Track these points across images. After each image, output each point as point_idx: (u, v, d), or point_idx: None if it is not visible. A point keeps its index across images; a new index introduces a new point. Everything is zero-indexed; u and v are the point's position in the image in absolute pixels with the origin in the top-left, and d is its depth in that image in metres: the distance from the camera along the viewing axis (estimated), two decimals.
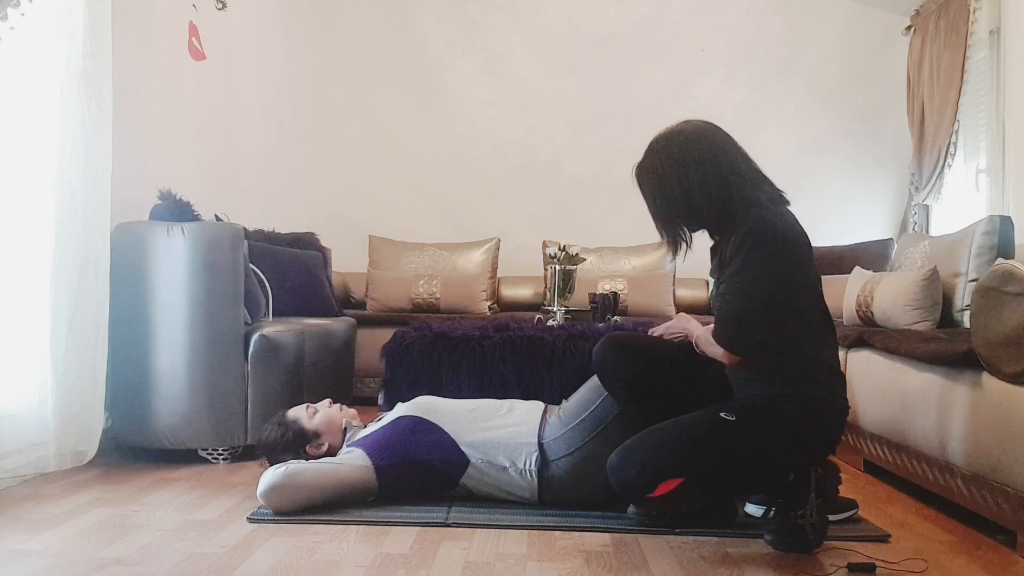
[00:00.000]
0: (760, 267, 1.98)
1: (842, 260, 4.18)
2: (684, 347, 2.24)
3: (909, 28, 5.03)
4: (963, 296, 3.14)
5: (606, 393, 2.30)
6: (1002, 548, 2.07)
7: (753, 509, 2.29)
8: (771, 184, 2.11)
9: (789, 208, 2.10)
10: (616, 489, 2.07)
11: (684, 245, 2.17)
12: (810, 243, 2.07)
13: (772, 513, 2.05)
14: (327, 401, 2.58)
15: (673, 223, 2.15)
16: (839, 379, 2.09)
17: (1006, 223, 3.14)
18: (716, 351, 2.06)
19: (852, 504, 2.26)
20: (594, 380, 2.38)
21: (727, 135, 2.15)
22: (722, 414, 1.99)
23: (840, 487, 2.09)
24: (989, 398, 2.09)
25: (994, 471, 2.06)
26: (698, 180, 2.06)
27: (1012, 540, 2.07)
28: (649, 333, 2.37)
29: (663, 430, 2.03)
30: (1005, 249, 3.09)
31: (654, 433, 2.03)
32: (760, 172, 2.12)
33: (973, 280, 2.26)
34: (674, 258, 2.21)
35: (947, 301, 3.22)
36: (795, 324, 2.01)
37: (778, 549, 2.02)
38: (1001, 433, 2.03)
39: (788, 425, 1.98)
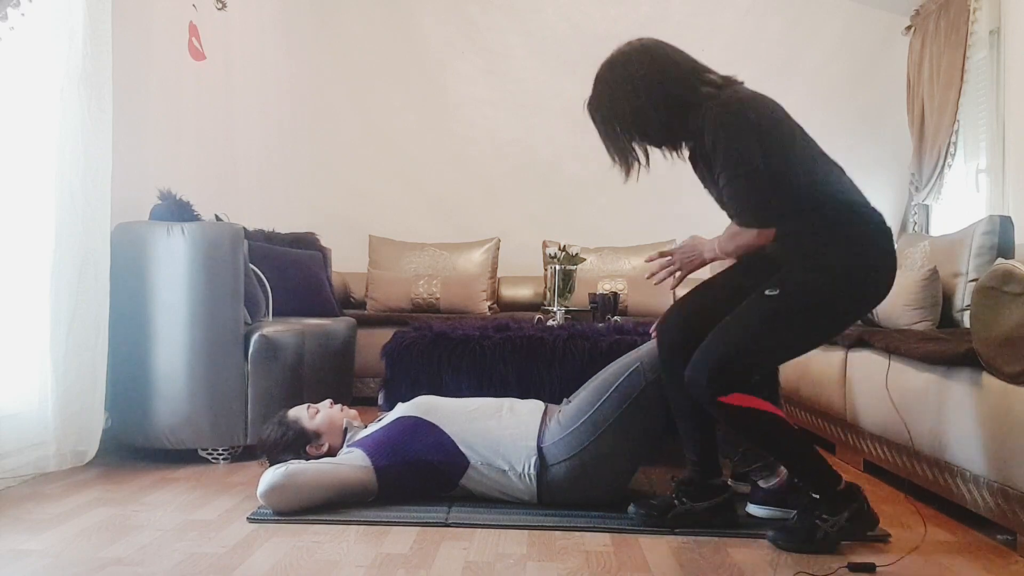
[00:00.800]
0: (740, 142, 2.02)
1: None
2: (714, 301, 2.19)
3: (909, 28, 5.03)
4: (963, 296, 3.15)
5: (604, 398, 2.29)
6: (1002, 548, 2.07)
7: (755, 509, 2.29)
8: (715, 73, 2.16)
9: (742, 84, 2.17)
10: (699, 401, 2.07)
11: (636, 164, 2.21)
12: (773, 100, 2.12)
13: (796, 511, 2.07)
14: (328, 401, 2.58)
15: (627, 144, 2.20)
16: (877, 222, 2.09)
17: (1006, 223, 3.15)
18: (748, 237, 2.09)
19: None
20: (593, 383, 2.38)
21: (665, 44, 2.20)
22: (766, 292, 2.04)
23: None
24: (989, 398, 2.09)
25: (994, 471, 2.06)
26: (647, 93, 2.11)
27: (1012, 540, 2.07)
28: (672, 289, 2.30)
29: (718, 330, 2.06)
30: (1005, 249, 3.09)
31: (712, 336, 2.06)
32: (702, 67, 2.17)
33: (973, 280, 2.26)
34: (627, 179, 2.24)
35: (947, 301, 3.22)
36: (804, 174, 2.05)
37: (778, 543, 2.04)
38: (1001, 433, 2.03)
39: (833, 275, 2.02)
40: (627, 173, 2.22)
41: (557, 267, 3.66)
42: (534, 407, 2.46)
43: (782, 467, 2.24)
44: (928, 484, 2.42)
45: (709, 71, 2.17)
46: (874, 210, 2.12)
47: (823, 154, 2.14)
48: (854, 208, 2.10)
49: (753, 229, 2.09)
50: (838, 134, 5.33)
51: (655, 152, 2.25)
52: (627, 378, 2.29)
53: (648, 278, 2.38)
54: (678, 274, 2.27)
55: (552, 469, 2.30)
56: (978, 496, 2.14)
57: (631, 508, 2.22)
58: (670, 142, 2.21)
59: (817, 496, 2.03)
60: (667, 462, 2.85)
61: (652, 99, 2.12)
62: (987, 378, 2.10)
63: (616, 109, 2.18)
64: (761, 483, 2.27)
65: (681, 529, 2.14)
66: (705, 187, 2.26)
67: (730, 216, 2.15)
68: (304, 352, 3.19)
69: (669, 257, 2.29)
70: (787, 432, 2.05)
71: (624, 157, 2.21)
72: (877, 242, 2.09)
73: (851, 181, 2.15)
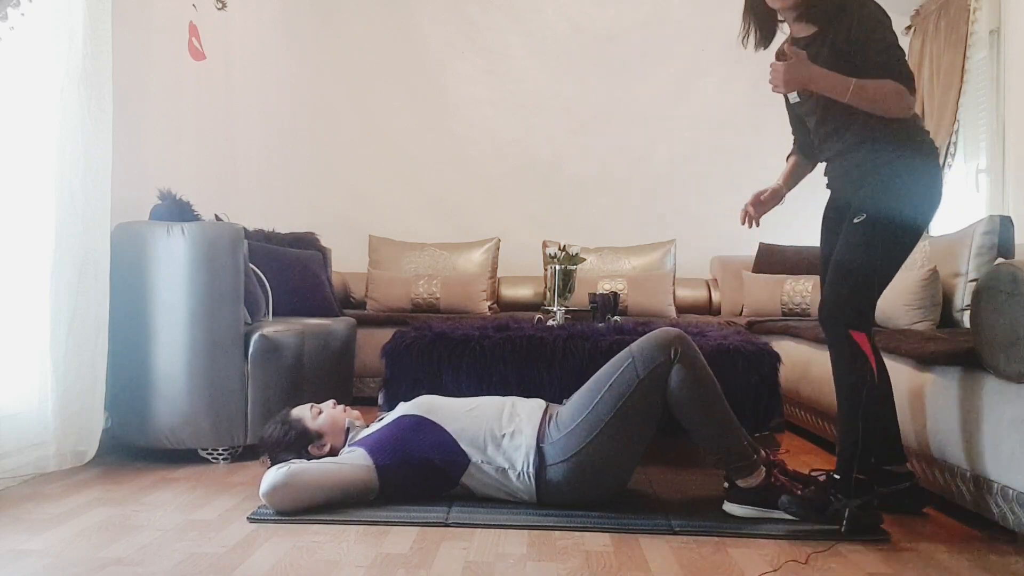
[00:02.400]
0: (888, 31, 2.32)
1: None
2: None
3: (909, 28, 5.03)
4: (963, 296, 3.14)
5: (598, 398, 2.29)
6: (1002, 548, 2.07)
7: (733, 508, 2.28)
8: None
9: None
10: (829, 335, 2.28)
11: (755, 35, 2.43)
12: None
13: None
14: (332, 402, 2.57)
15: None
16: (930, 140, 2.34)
17: (1006, 223, 3.14)
18: (891, 100, 2.22)
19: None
20: (590, 384, 2.37)
21: None
22: (854, 220, 2.24)
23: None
24: (989, 398, 2.09)
25: (994, 471, 2.06)
26: None
27: (1012, 540, 2.07)
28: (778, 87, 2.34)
29: (834, 269, 2.27)
30: (1005, 249, 3.09)
31: (832, 276, 2.27)
32: None
33: (973, 280, 2.27)
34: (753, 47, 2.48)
35: (947, 301, 3.22)
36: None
37: (790, 508, 2.16)
38: (1001, 433, 2.03)
39: (911, 180, 2.22)
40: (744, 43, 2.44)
41: (557, 267, 3.66)
42: (535, 406, 2.45)
43: (762, 466, 2.27)
44: (928, 483, 2.42)
45: None
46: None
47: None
48: (917, 121, 2.32)
49: (904, 89, 2.22)
50: None
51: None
52: (620, 376, 2.28)
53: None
54: (781, 81, 2.29)
55: (551, 469, 2.30)
56: (978, 496, 2.14)
57: (782, 500, 2.22)
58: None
59: (837, 477, 2.17)
60: (667, 462, 2.85)
61: None
62: (987, 378, 2.10)
63: None
64: (740, 482, 2.27)
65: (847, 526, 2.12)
66: (818, 60, 2.33)
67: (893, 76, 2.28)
68: (304, 352, 3.20)
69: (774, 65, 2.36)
70: (872, 396, 2.19)
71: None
72: (930, 154, 2.31)
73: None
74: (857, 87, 2.20)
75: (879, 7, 2.32)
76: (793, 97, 2.41)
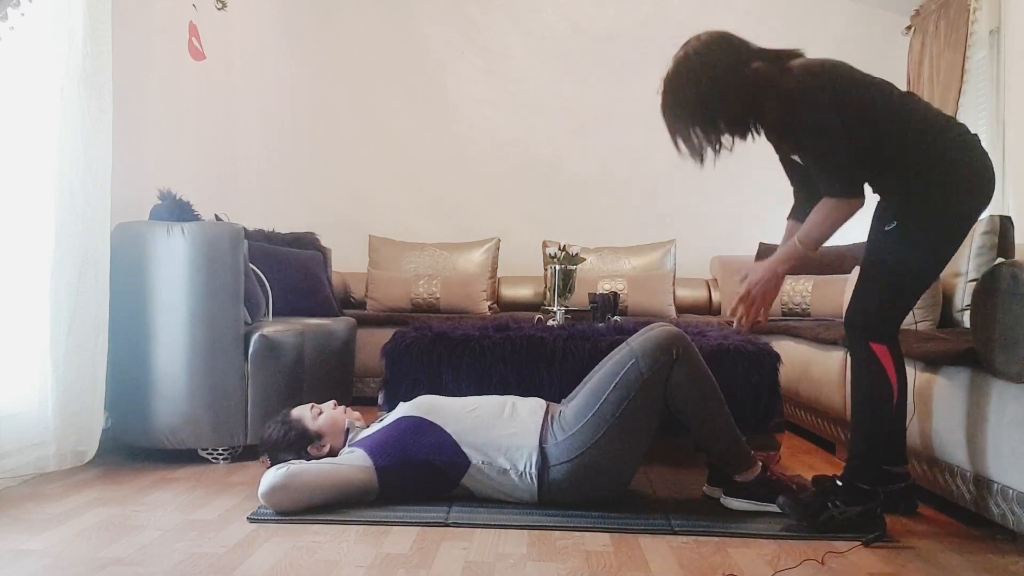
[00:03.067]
0: (816, 115, 2.10)
1: (842, 260, 4.18)
2: None
3: (909, 28, 5.03)
4: (963, 296, 3.14)
5: (603, 398, 2.29)
6: (1002, 548, 2.07)
7: (729, 502, 2.35)
8: (777, 50, 2.25)
9: (802, 56, 2.24)
10: (850, 345, 2.24)
11: (709, 152, 2.24)
12: (841, 63, 2.19)
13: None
14: (332, 402, 2.57)
15: (703, 133, 2.21)
16: (965, 142, 2.14)
17: (1006, 223, 3.14)
18: (840, 212, 2.13)
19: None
20: (592, 384, 2.37)
21: (728, 34, 2.32)
22: (885, 228, 2.17)
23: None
24: (989, 398, 2.09)
25: (994, 471, 2.06)
26: (716, 83, 2.16)
27: (1012, 540, 2.07)
28: (737, 328, 2.33)
29: (863, 279, 2.23)
30: (1005, 249, 3.08)
31: (859, 285, 2.23)
32: (765, 50, 2.26)
33: (973, 280, 2.26)
34: (701, 166, 2.29)
35: (947, 301, 3.22)
36: (887, 126, 2.13)
37: (785, 509, 2.16)
38: (1001, 433, 2.03)
39: (941, 187, 2.11)
40: (701, 161, 2.26)
41: (557, 267, 3.66)
42: (536, 406, 2.45)
43: (758, 462, 2.33)
44: (928, 483, 2.42)
45: (770, 50, 2.25)
46: (957, 128, 2.17)
47: (901, 95, 2.21)
48: (938, 141, 2.14)
49: (844, 201, 2.12)
50: None
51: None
52: (624, 375, 2.28)
53: (738, 331, 2.41)
54: (763, 310, 2.29)
55: (553, 469, 2.30)
56: (978, 496, 2.14)
57: (780, 499, 2.21)
58: (741, 127, 2.25)
59: (840, 483, 2.16)
60: (667, 462, 2.85)
61: (722, 89, 2.16)
62: (987, 378, 2.10)
63: (687, 102, 2.21)
64: (737, 477, 2.34)
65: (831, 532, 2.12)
66: (783, 164, 2.34)
67: (823, 191, 2.19)
68: (304, 352, 3.20)
69: (744, 300, 2.28)
70: (885, 410, 2.18)
71: (698, 146, 2.25)
72: (969, 157, 2.14)
73: (929, 108, 2.22)
74: (803, 240, 2.19)
75: (813, 94, 2.12)
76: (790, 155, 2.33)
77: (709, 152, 2.22)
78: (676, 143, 2.24)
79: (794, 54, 2.23)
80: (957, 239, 2.18)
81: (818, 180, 2.18)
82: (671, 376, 2.27)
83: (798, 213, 2.44)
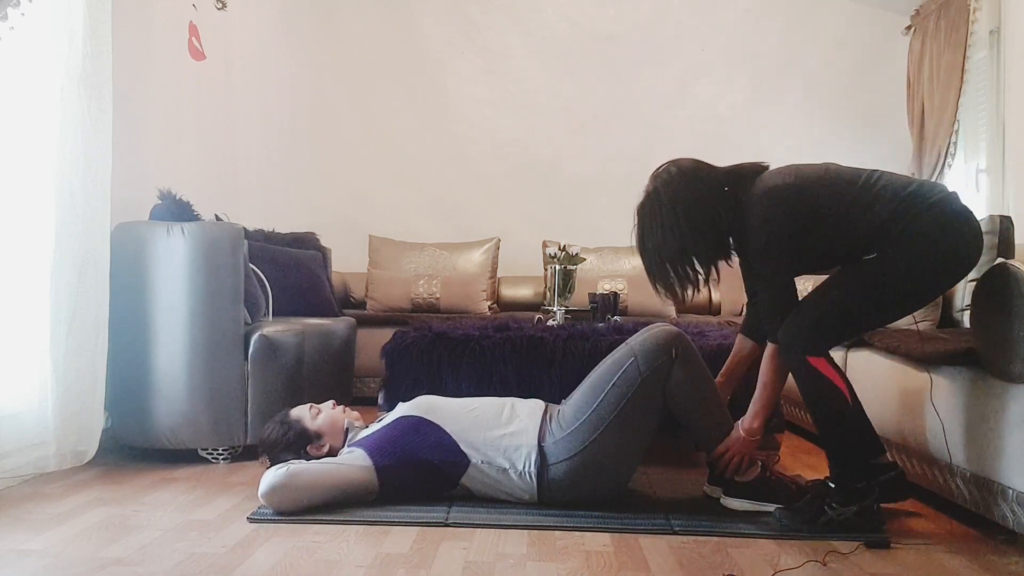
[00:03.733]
0: (772, 251, 2.17)
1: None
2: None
3: (909, 28, 5.03)
4: (963, 296, 3.14)
5: (602, 396, 2.29)
6: (1002, 548, 2.07)
7: (729, 502, 2.36)
8: (743, 169, 2.26)
9: (767, 167, 2.26)
10: (786, 359, 2.20)
11: (691, 287, 2.29)
12: (807, 175, 2.19)
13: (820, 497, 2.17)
14: (331, 402, 2.57)
15: (682, 271, 2.28)
16: (951, 211, 2.12)
17: (1006, 223, 3.13)
18: (766, 391, 2.26)
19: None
20: (591, 383, 2.37)
21: (695, 163, 2.32)
22: (864, 257, 2.15)
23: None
24: (989, 398, 2.09)
25: (994, 471, 2.06)
26: (688, 221, 2.23)
27: (1012, 540, 2.07)
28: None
29: (816, 293, 2.21)
30: (1005, 249, 3.08)
31: (810, 298, 2.21)
32: (731, 170, 2.27)
33: (973, 280, 2.26)
34: (685, 302, 2.37)
35: (947, 301, 3.21)
36: (859, 228, 2.13)
37: (782, 520, 2.16)
38: (1001, 433, 2.03)
39: (925, 244, 2.09)
40: (683, 298, 2.31)
41: (557, 267, 3.66)
42: (535, 406, 2.46)
43: (758, 462, 2.35)
44: (928, 483, 2.42)
45: (735, 170, 2.27)
46: (940, 193, 2.15)
47: (865, 185, 2.17)
48: (921, 213, 2.11)
49: (774, 351, 2.20)
50: (838, 134, 5.37)
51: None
52: (623, 374, 2.29)
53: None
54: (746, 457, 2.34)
55: (552, 468, 2.30)
56: (978, 496, 2.14)
57: (776, 512, 2.22)
58: (721, 251, 2.29)
59: (832, 485, 2.16)
60: (667, 462, 2.85)
61: (693, 226, 2.22)
62: (987, 378, 2.10)
63: (664, 244, 2.29)
64: (736, 477, 2.34)
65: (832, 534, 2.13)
66: (744, 278, 2.40)
67: (767, 331, 2.25)
68: (304, 352, 3.20)
69: (727, 458, 2.33)
70: (846, 415, 2.16)
71: (675, 286, 2.30)
72: (953, 226, 2.12)
73: (896, 178, 2.21)
74: (744, 428, 2.29)
75: (770, 219, 2.16)
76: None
77: (689, 288, 2.27)
78: (655, 286, 2.34)
79: (759, 168, 2.27)
80: (927, 301, 2.25)
81: (762, 315, 2.26)
82: (670, 376, 2.27)
83: (751, 329, 2.47)
